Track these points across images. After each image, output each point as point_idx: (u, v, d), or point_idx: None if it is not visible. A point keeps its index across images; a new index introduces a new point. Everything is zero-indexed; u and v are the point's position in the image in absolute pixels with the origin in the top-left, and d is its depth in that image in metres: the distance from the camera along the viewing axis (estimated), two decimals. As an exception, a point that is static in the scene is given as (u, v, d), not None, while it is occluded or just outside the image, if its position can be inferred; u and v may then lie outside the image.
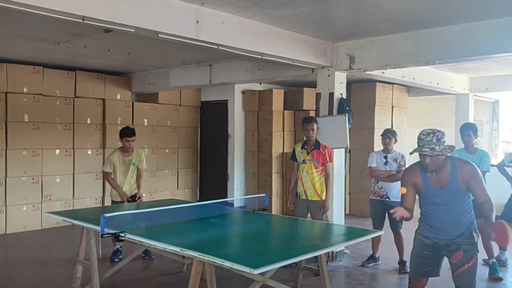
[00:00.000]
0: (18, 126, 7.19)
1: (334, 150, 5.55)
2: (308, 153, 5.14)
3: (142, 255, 5.54)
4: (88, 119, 8.07)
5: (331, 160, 5.12)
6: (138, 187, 5.71)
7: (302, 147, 5.22)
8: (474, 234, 3.21)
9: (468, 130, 5.28)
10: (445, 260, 3.33)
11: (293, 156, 5.33)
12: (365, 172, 8.04)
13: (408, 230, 4.59)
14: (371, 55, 5.63)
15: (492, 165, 5.43)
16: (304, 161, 5.16)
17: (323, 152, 5.08)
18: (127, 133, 5.50)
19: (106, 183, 8.11)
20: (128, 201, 5.57)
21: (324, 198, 5.08)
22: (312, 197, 5.11)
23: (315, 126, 5.10)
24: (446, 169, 3.20)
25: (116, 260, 5.41)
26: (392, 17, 4.69)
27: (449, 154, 3.22)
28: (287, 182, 8.55)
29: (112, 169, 5.56)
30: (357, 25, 5.05)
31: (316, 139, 5.15)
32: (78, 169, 7.88)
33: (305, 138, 5.23)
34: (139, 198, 5.71)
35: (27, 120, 7.28)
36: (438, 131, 3.21)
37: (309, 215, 5.19)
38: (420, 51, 5.25)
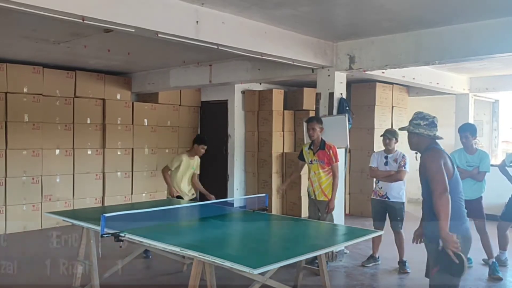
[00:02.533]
0: (18, 126, 7.19)
1: (335, 149, 5.56)
2: (314, 154, 5.15)
3: (143, 255, 5.55)
4: (88, 119, 8.07)
5: (336, 160, 5.11)
6: (202, 189, 6.04)
7: (309, 148, 5.23)
8: (440, 240, 2.88)
9: (465, 132, 5.27)
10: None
11: (301, 156, 5.37)
12: (365, 172, 8.05)
13: (408, 230, 4.58)
14: (371, 55, 5.62)
15: (492, 165, 5.44)
16: (311, 162, 5.19)
17: (328, 153, 5.07)
18: (205, 141, 5.86)
19: (107, 183, 8.19)
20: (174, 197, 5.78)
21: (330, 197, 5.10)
22: (320, 197, 5.13)
23: (316, 126, 5.09)
24: (422, 151, 3.16)
25: (150, 256, 5.62)
26: (392, 17, 4.69)
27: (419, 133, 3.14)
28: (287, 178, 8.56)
29: (174, 167, 5.81)
30: (357, 25, 5.05)
31: (322, 139, 5.15)
32: (78, 169, 7.88)
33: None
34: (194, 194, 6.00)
35: (27, 120, 7.28)
36: (417, 113, 3.20)
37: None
38: (420, 51, 5.25)
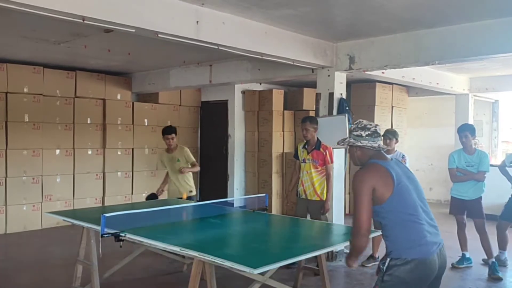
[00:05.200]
0: (18, 126, 7.20)
1: (334, 150, 5.55)
2: (308, 153, 5.14)
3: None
4: (88, 119, 8.07)
5: (332, 161, 5.11)
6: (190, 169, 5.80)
7: (304, 147, 5.23)
8: (388, 260, 2.60)
9: (465, 131, 5.29)
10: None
11: (296, 155, 5.36)
12: (365, 172, 8.05)
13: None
14: (371, 55, 5.63)
15: (492, 165, 5.45)
16: (304, 161, 5.18)
17: (324, 153, 5.07)
18: (166, 131, 5.82)
19: (107, 183, 8.19)
20: (153, 197, 5.78)
21: (323, 198, 5.08)
22: (311, 196, 5.11)
23: (309, 126, 5.09)
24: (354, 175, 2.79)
25: None
26: (392, 17, 4.70)
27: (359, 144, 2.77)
28: (287, 181, 8.56)
29: (164, 167, 5.97)
30: (357, 25, 5.05)
31: (318, 139, 5.15)
32: (78, 169, 7.88)
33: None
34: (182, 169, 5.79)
35: (27, 120, 7.29)
36: (357, 123, 2.83)
37: (309, 214, 5.19)
38: (420, 51, 5.25)
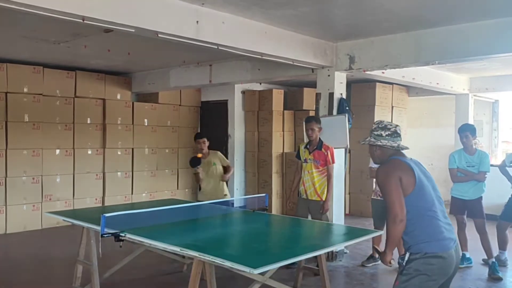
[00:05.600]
0: (18, 126, 7.20)
1: (334, 150, 5.55)
2: (310, 153, 5.14)
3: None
4: (88, 119, 8.07)
5: (333, 161, 5.10)
6: (227, 170, 5.75)
7: (305, 147, 5.22)
8: (407, 254, 2.71)
9: (466, 132, 5.30)
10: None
11: (298, 155, 5.34)
12: (365, 172, 8.06)
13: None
14: (371, 55, 5.63)
15: (492, 165, 5.44)
16: (305, 161, 5.17)
17: (325, 153, 5.06)
18: (198, 136, 5.78)
19: (107, 183, 8.19)
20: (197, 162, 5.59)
21: (324, 198, 5.07)
22: (312, 196, 5.11)
23: (315, 126, 5.08)
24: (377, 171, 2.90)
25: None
26: (392, 17, 4.70)
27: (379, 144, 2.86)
28: (287, 181, 8.56)
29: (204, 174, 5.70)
30: (357, 25, 5.05)
31: (320, 140, 5.14)
32: (78, 169, 7.88)
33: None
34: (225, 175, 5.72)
35: (27, 120, 7.29)
36: (377, 123, 2.92)
37: (310, 214, 5.19)
38: (420, 51, 5.25)
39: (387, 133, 2.85)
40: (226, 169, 5.76)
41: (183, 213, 4.48)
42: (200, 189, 5.81)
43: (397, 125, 2.91)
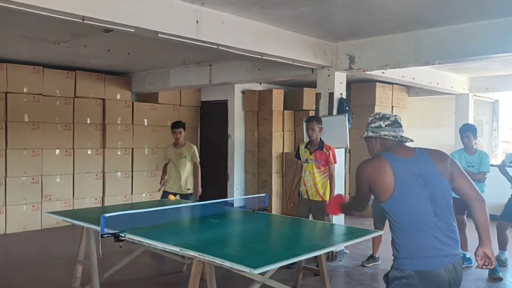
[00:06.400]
0: (18, 126, 7.19)
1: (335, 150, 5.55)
2: (311, 153, 5.12)
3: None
4: (88, 119, 8.07)
5: (335, 161, 5.08)
6: (196, 182, 5.98)
7: (306, 147, 5.21)
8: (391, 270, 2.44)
9: (467, 132, 5.29)
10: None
11: (297, 155, 5.32)
12: (365, 172, 8.05)
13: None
14: (371, 55, 5.63)
15: (492, 165, 5.44)
16: (306, 161, 5.15)
17: (327, 153, 5.04)
18: (176, 125, 5.95)
19: (107, 183, 8.19)
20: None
21: (326, 198, 5.06)
22: (314, 197, 5.10)
23: (315, 126, 5.06)
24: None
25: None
26: (392, 17, 4.70)
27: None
28: (287, 181, 8.55)
29: (167, 160, 6.07)
30: (357, 25, 5.05)
31: (321, 140, 5.13)
32: (78, 169, 7.88)
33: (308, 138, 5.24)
34: (196, 192, 5.97)
35: (27, 120, 7.28)
36: (375, 114, 2.61)
37: (311, 214, 5.19)
38: (420, 51, 5.25)
39: (386, 123, 2.50)
40: (194, 166, 5.96)
41: (183, 213, 4.48)
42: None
43: (396, 115, 2.58)
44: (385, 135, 2.50)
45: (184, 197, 5.82)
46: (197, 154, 6.05)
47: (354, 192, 2.61)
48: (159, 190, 6.22)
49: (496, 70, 7.97)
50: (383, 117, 2.54)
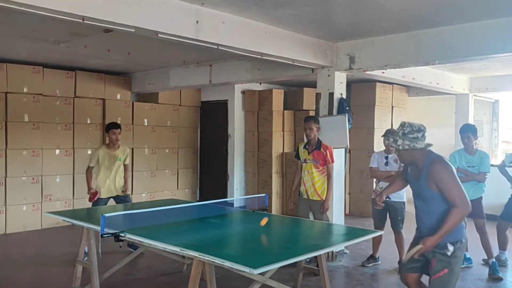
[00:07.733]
0: (18, 126, 7.19)
1: (334, 150, 5.55)
2: (309, 153, 5.13)
3: (129, 250, 5.62)
4: (88, 119, 8.07)
5: (332, 161, 5.09)
6: (125, 181, 5.90)
7: (304, 147, 5.22)
8: (449, 245, 2.99)
9: (467, 132, 5.29)
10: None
11: (297, 155, 5.34)
12: (365, 172, 8.06)
13: (409, 230, 4.59)
14: (371, 55, 5.62)
15: (492, 165, 5.44)
16: (305, 161, 5.16)
17: (324, 153, 5.06)
18: (112, 126, 5.78)
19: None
20: (93, 197, 5.67)
21: (324, 198, 5.07)
22: (313, 196, 5.11)
23: (313, 126, 5.07)
24: (422, 163, 3.09)
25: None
26: (392, 17, 4.70)
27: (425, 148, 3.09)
28: (287, 181, 8.56)
29: (95, 164, 5.78)
30: (357, 25, 5.05)
31: (318, 139, 5.14)
32: (78, 169, 7.86)
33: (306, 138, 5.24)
34: (125, 190, 5.88)
35: (27, 120, 7.28)
36: (409, 126, 3.08)
37: (311, 214, 5.19)
38: (420, 51, 5.25)
39: (421, 134, 3.02)
40: (125, 168, 5.89)
41: (183, 213, 4.47)
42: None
43: (421, 124, 3.09)
44: (424, 145, 3.03)
45: (123, 198, 5.80)
46: (129, 157, 5.99)
47: (452, 188, 2.95)
48: (90, 201, 5.75)
49: (496, 70, 7.98)
50: (419, 129, 3.03)
